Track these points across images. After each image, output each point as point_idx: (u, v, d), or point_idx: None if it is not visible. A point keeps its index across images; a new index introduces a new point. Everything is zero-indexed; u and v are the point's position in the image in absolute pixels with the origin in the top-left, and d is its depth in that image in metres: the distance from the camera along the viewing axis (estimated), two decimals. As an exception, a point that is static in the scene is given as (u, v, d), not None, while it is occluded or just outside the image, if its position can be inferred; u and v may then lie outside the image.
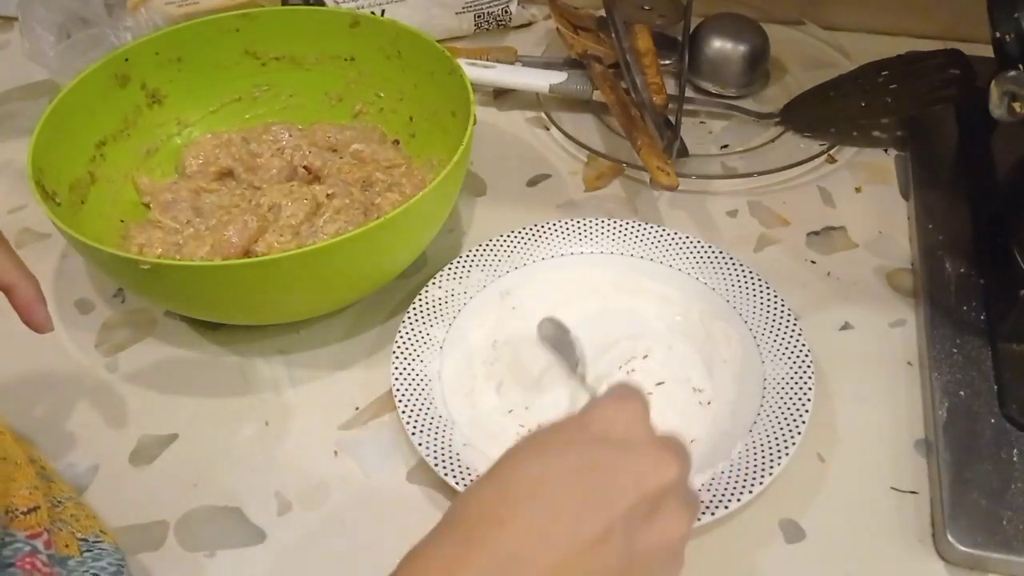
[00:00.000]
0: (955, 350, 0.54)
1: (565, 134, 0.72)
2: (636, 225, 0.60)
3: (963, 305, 0.56)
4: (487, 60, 0.76)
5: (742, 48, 0.74)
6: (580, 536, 0.32)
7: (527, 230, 0.61)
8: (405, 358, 0.53)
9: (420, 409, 0.51)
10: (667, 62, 0.76)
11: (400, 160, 0.65)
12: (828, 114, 0.71)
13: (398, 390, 0.52)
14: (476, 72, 0.71)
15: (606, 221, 0.61)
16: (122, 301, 0.62)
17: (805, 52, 0.79)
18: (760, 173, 0.68)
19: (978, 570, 0.46)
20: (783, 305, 0.55)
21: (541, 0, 0.83)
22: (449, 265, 0.59)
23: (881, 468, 0.50)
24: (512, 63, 0.77)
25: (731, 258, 0.58)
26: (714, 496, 0.46)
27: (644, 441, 0.36)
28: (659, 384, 0.53)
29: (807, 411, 0.49)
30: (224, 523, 0.50)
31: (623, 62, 0.70)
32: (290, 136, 0.66)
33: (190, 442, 0.53)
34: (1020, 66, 0.53)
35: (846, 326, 0.58)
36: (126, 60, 0.63)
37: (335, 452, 0.52)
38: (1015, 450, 0.49)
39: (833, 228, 0.65)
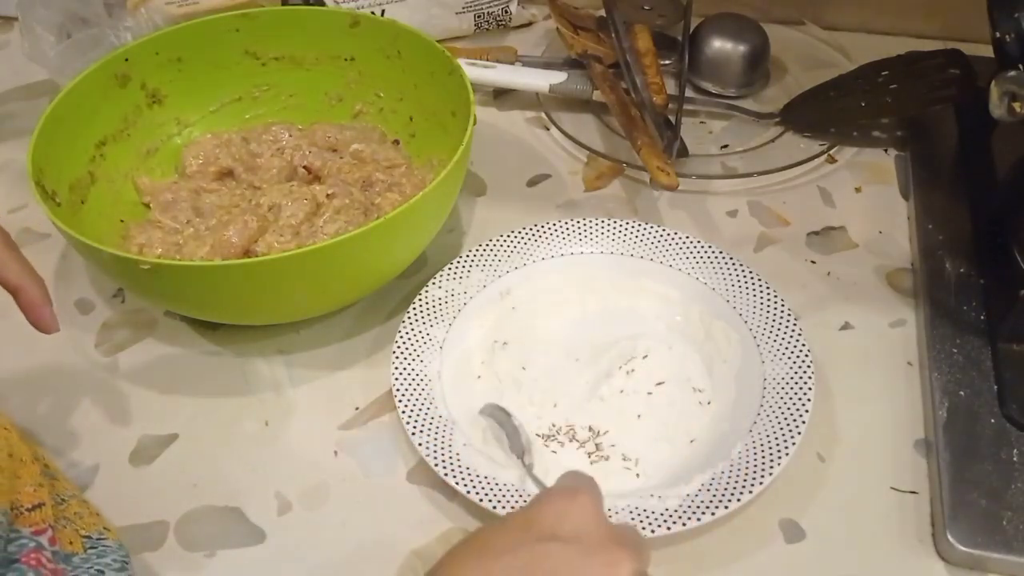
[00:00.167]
0: (955, 350, 0.54)
1: (565, 134, 0.72)
2: (636, 225, 0.60)
3: (963, 305, 0.56)
4: (487, 60, 0.76)
5: (742, 48, 0.74)
6: None
7: (527, 230, 0.61)
8: (405, 358, 0.53)
9: (420, 409, 0.51)
10: (667, 62, 0.76)
11: (400, 160, 0.65)
12: (828, 114, 0.71)
13: (398, 390, 0.52)
14: (476, 72, 0.71)
15: (606, 221, 0.61)
16: (122, 301, 0.62)
17: (805, 52, 0.79)
18: (760, 173, 0.68)
19: (978, 570, 0.46)
20: (783, 305, 0.55)
21: (541, 0, 0.83)
22: (449, 265, 0.59)
23: (881, 468, 0.50)
24: (512, 63, 0.77)
25: (731, 258, 0.58)
26: (714, 496, 0.46)
27: (595, 537, 0.34)
28: (659, 384, 0.53)
29: (807, 411, 0.49)
30: (224, 523, 0.50)
31: (623, 62, 0.70)
32: (290, 136, 0.66)
33: (190, 442, 0.53)
34: (1020, 66, 0.53)
35: (846, 326, 0.58)
36: (126, 60, 0.63)
37: (335, 452, 0.52)
38: (1015, 450, 0.49)
39: (833, 228, 0.65)
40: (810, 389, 0.50)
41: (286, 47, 0.67)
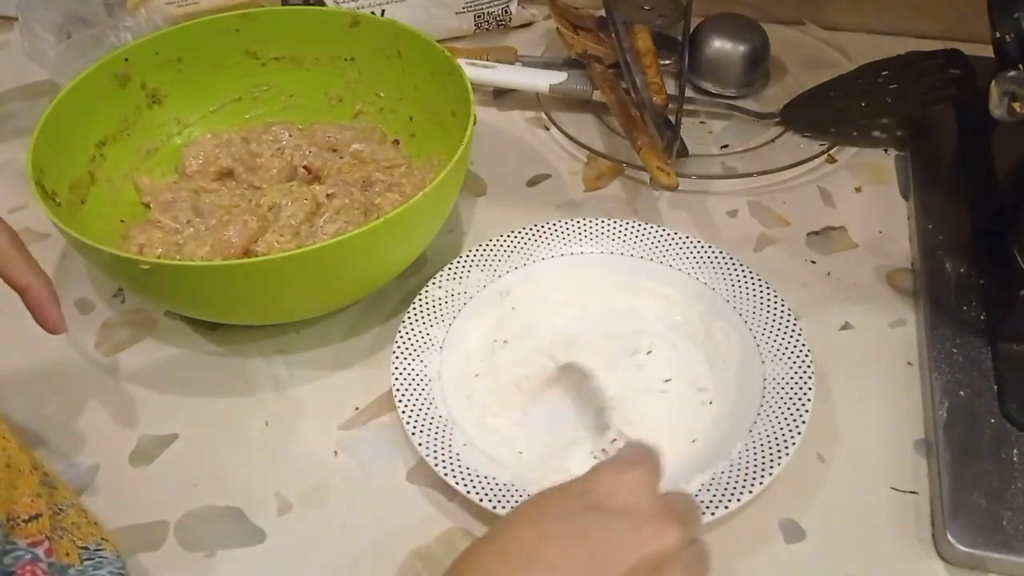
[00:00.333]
0: (955, 350, 0.54)
1: (565, 134, 0.72)
2: (636, 225, 0.60)
3: (963, 305, 0.56)
4: (487, 60, 0.76)
5: (742, 48, 0.74)
6: None
7: (527, 230, 0.61)
8: (405, 358, 0.53)
9: (420, 409, 0.51)
10: (667, 62, 0.76)
11: (400, 160, 0.65)
12: (828, 114, 0.71)
13: (398, 390, 0.52)
14: (476, 72, 0.71)
15: (606, 221, 0.61)
16: (122, 301, 0.62)
17: (805, 52, 0.79)
18: (760, 173, 0.68)
19: (978, 570, 0.46)
20: (783, 305, 0.55)
21: (541, 0, 0.83)
22: (449, 265, 0.59)
23: (881, 468, 0.50)
24: (512, 63, 0.77)
25: (731, 258, 0.58)
26: (714, 496, 0.46)
27: (645, 509, 0.35)
28: (666, 381, 0.53)
29: (807, 411, 0.49)
30: (224, 523, 0.50)
31: (623, 62, 0.70)
32: (290, 136, 0.66)
33: (190, 442, 0.53)
34: (1020, 66, 0.53)
35: (846, 326, 0.58)
36: (126, 60, 0.63)
37: (335, 452, 0.52)
38: (1015, 450, 0.49)
39: (833, 228, 0.65)
40: (810, 389, 0.50)
41: (286, 47, 0.67)
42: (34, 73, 0.77)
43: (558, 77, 0.73)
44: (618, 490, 0.36)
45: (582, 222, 0.61)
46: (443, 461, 0.48)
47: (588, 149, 0.71)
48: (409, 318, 0.55)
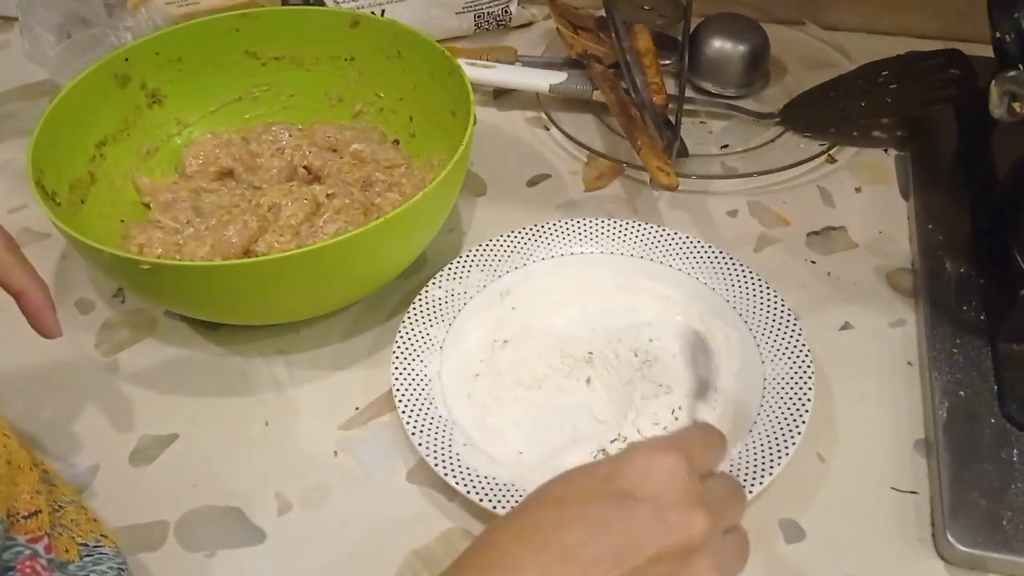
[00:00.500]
0: (955, 350, 0.54)
1: (565, 134, 0.72)
2: (636, 225, 0.60)
3: (963, 305, 0.56)
4: (487, 60, 0.76)
5: (742, 48, 0.74)
6: None
7: (527, 230, 0.61)
8: (405, 358, 0.53)
9: (420, 409, 0.51)
10: (667, 62, 0.76)
11: (400, 160, 0.65)
12: (828, 114, 0.71)
13: (398, 390, 0.52)
14: (476, 72, 0.71)
15: (606, 221, 0.61)
16: (122, 301, 0.62)
17: (805, 52, 0.79)
18: (760, 173, 0.68)
19: (978, 570, 0.46)
20: (783, 305, 0.55)
21: (541, 0, 0.83)
22: (449, 265, 0.59)
23: (881, 468, 0.50)
24: (512, 63, 0.77)
25: (731, 258, 0.58)
26: None
27: (673, 496, 0.34)
28: (666, 381, 0.53)
29: (807, 411, 0.49)
30: (224, 523, 0.50)
31: (623, 62, 0.70)
32: (290, 136, 0.66)
33: (190, 442, 0.53)
34: (1020, 66, 0.53)
35: (846, 326, 0.58)
36: (126, 60, 0.63)
37: (335, 452, 0.52)
38: (1015, 450, 0.49)
39: (833, 228, 0.65)
40: (810, 389, 0.50)
41: (286, 47, 0.67)
42: (34, 73, 0.77)
43: (558, 77, 0.73)
44: (647, 475, 0.34)
45: (582, 222, 0.61)
46: (443, 461, 0.48)
47: (588, 149, 0.71)
48: (409, 318, 0.55)
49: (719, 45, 0.74)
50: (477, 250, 0.59)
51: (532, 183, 0.70)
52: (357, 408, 0.55)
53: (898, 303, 0.59)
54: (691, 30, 0.75)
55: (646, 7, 0.80)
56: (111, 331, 0.60)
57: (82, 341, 0.59)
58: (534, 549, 0.33)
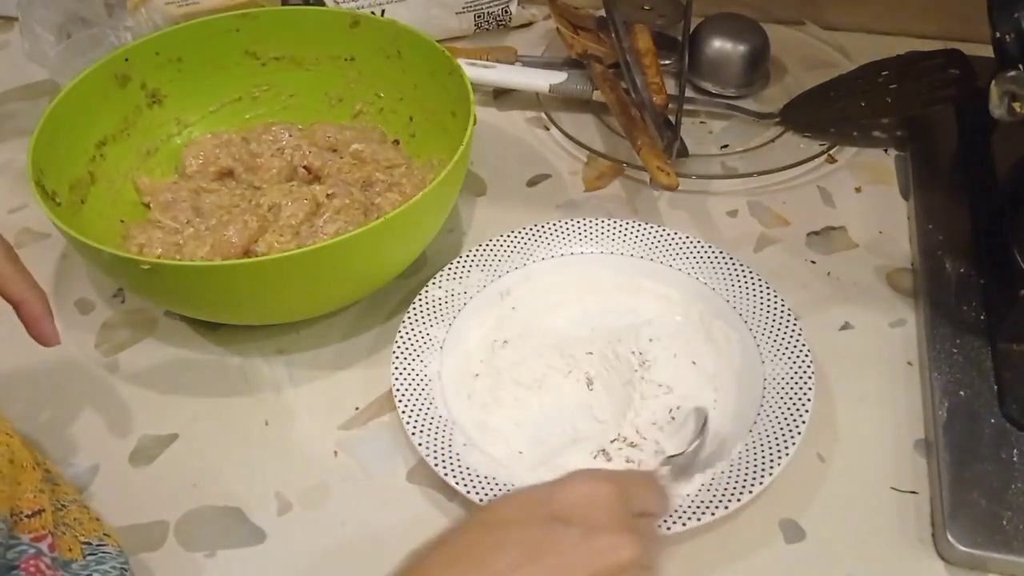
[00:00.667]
0: (955, 350, 0.54)
1: (565, 134, 0.72)
2: (636, 225, 0.60)
3: (963, 305, 0.56)
4: (487, 60, 0.76)
5: (742, 48, 0.74)
6: None
7: (527, 230, 0.61)
8: (405, 358, 0.53)
9: (420, 409, 0.51)
10: (667, 62, 0.76)
11: (400, 160, 0.65)
12: (828, 114, 0.71)
13: (398, 390, 0.52)
14: (476, 72, 0.71)
15: (606, 221, 0.61)
16: (122, 301, 0.62)
17: (805, 52, 0.79)
18: (760, 173, 0.68)
19: (978, 570, 0.46)
20: (783, 305, 0.55)
21: (541, 0, 0.83)
22: (449, 265, 0.59)
23: (881, 468, 0.50)
24: (512, 63, 0.77)
25: (731, 258, 0.58)
26: (714, 496, 0.46)
27: (605, 523, 0.35)
28: (666, 381, 0.53)
29: (807, 411, 0.49)
30: (224, 523, 0.50)
31: (623, 62, 0.70)
32: (290, 136, 0.66)
33: (190, 442, 0.53)
34: (1020, 66, 0.52)
35: (846, 326, 0.58)
36: (126, 60, 0.63)
37: (335, 452, 0.52)
38: (1015, 450, 0.49)
39: (833, 228, 0.65)
40: (810, 389, 0.50)
41: (286, 47, 0.67)
42: (34, 73, 0.77)
43: (558, 77, 0.73)
44: (583, 502, 0.35)
45: (582, 222, 0.61)
46: (443, 461, 0.48)
47: (588, 149, 0.71)
48: (409, 318, 0.55)
49: (719, 45, 0.74)
50: (477, 250, 0.60)
51: (532, 183, 0.70)
52: (357, 408, 0.55)
53: (898, 303, 0.59)
54: (691, 30, 0.75)
55: (646, 7, 0.80)
56: (111, 331, 0.60)
57: (82, 341, 0.59)
58: (467, 573, 0.33)
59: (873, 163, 0.70)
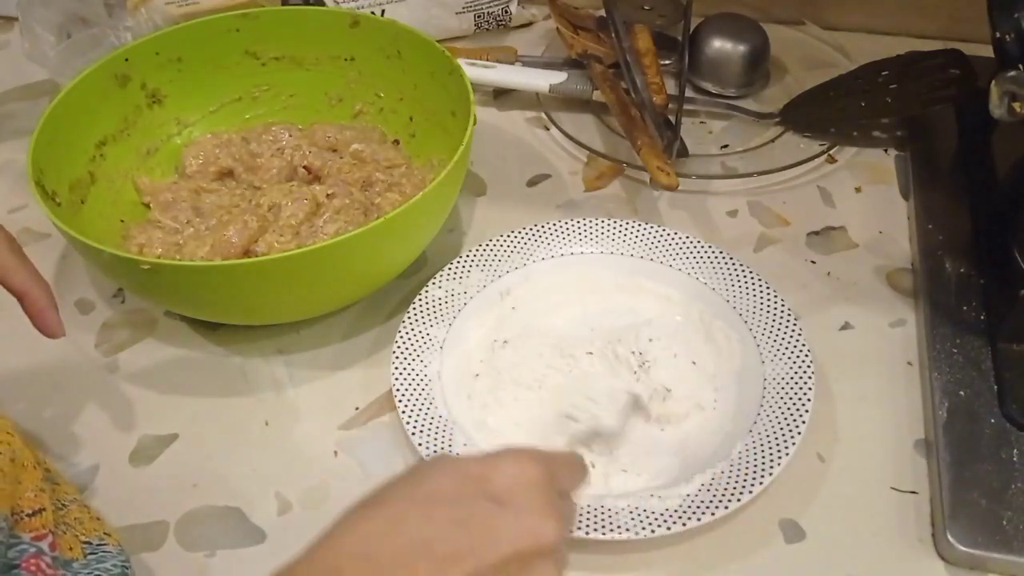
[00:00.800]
0: (955, 350, 0.54)
1: (565, 134, 0.72)
2: (636, 225, 0.60)
3: (963, 305, 0.56)
4: (487, 60, 0.76)
5: (742, 48, 0.74)
6: None
7: (527, 230, 0.61)
8: (405, 358, 0.53)
9: (420, 409, 0.51)
10: (667, 62, 0.76)
11: (400, 160, 0.65)
12: (828, 114, 0.71)
13: (398, 390, 0.52)
14: (476, 72, 0.71)
15: (606, 221, 0.61)
16: (122, 301, 0.62)
17: (805, 52, 0.79)
18: (760, 173, 0.68)
19: (978, 570, 0.46)
20: (783, 305, 0.55)
21: (541, 0, 0.83)
22: (449, 265, 0.59)
23: (881, 468, 0.50)
24: (512, 63, 0.77)
25: (731, 258, 0.58)
26: (714, 496, 0.46)
27: (532, 503, 0.36)
28: (666, 380, 0.53)
29: (807, 411, 0.49)
30: (224, 523, 0.50)
31: (623, 62, 0.70)
32: (290, 136, 0.66)
33: (190, 442, 0.53)
34: (1020, 66, 0.53)
35: (846, 326, 0.58)
36: (126, 60, 0.63)
37: (335, 452, 0.52)
38: (1015, 450, 0.49)
39: (833, 228, 0.65)
40: (810, 389, 0.50)
41: (286, 47, 0.67)
42: (34, 73, 0.77)
43: (558, 77, 0.73)
44: (513, 481, 0.36)
45: (582, 222, 0.61)
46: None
47: (588, 149, 0.71)
48: (409, 318, 0.55)
49: (719, 45, 0.74)
50: (477, 250, 0.60)
51: (532, 183, 0.70)
52: (357, 408, 0.55)
53: (898, 303, 0.59)
54: (691, 30, 0.75)
55: (646, 7, 0.80)
56: (111, 331, 0.60)
57: (82, 341, 0.59)
58: (395, 542, 0.33)
59: (873, 163, 0.70)
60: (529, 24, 0.85)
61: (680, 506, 0.46)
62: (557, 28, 0.79)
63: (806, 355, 0.52)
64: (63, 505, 0.45)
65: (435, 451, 0.49)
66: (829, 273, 0.61)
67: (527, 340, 0.56)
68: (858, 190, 0.68)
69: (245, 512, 0.50)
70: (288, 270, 0.50)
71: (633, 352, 0.54)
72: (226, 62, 0.67)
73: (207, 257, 0.56)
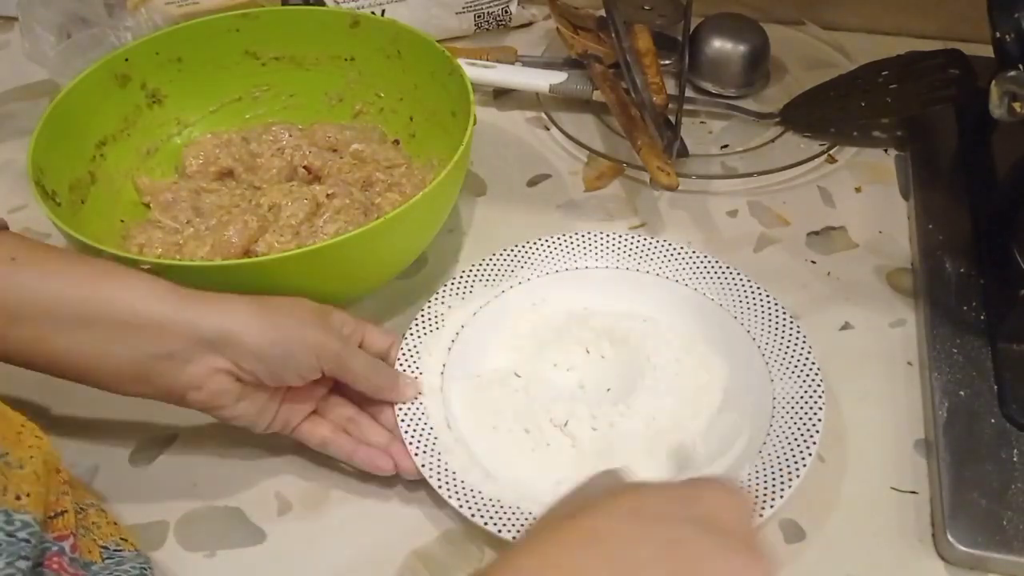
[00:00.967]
0: (955, 350, 0.54)
1: (565, 134, 0.72)
2: (641, 239, 0.59)
3: (963, 305, 0.56)
4: (487, 60, 0.76)
5: (742, 48, 0.74)
6: None
7: (530, 244, 0.59)
8: (405, 371, 0.53)
9: (418, 424, 0.50)
10: (667, 62, 0.76)
11: (400, 160, 0.65)
12: (828, 114, 0.71)
13: (399, 410, 0.51)
14: (476, 72, 0.71)
15: (610, 236, 0.59)
16: (122, 301, 0.61)
17: (805, 52, 0.79)
18: (760, 173, 0.68)
19: (978, 570, 0.46)
20: (792, 322, 0.53)
21: (541, 0, 0.83)
22: (452, 280, 0.57)
23: (881, 468, 0.50)
24: (512, 63, 0.77)
25: (738, 273, 0.56)
26: None
27: (743, 539, 0.34)
28: (674, 400, 0.52)
29: (817, 431, 0.48)
30: (224, 523, 0.50)
31: (623, 62, 0.70)
32: (290, 136, 0.66)
33: (190, 442, 0.53)
34: (1020, 66, 0.53)
35: (846, 326, 0.58)
36: (126, 60, 0.63)
37: (335, 452, 0.52)
38: (1015, 450, 0.49)
39: (833, 228, 0.65)
40: (820, 409, 0.49)
41: (286, 47, 0.67)
42: (34, 73, 0.77)
43: (558, 77, 0.73)
44: (724, 510, 0.34)
45: (586, 236, 0.60)
46: (444, 481, 0.47)
47: (588, 149, 0.71)
48: (410, 334, 0.54)
49: (719, 45, 0.74)
50: (480, 265, 0.58)
51: (532, 183, 0.70)
52: (357, 408, 0.55)
53: (898, 303, 0.59)
54: (691, 30, 0.75)
55: (646, 7, 0.80)
56: (111, 331, 0.60)
57: (82, 341, 0.59)
58: (602, 557, 0.32)
59: (873, 163, 0.70)
60: (529, 24, 0.85)
61: None
62: (557, 28, 0.79)
63: (816, 373, 0.50)
64: (82, 509, 0.45)
65: (436, 472, 0.48)
66: (829, 273, 0.61)
67: (529, 357, 0.55)
68: (858, 190, 0.68)
69: (245, 512, 0.50)
70: (288, 270, 0.50)
71: (640, 371, 0.53)
72: (226, 62, 0.67)
73: (207, 257, 0.56)
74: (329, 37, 0.67)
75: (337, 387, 0.52)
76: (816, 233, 0.64)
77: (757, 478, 0.47)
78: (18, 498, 0.38)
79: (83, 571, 0.40)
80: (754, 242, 0.64)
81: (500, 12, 0.83)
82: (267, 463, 0.52)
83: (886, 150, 0.71)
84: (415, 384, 0.52)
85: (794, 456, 0.47)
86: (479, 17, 0.82)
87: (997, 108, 0.53)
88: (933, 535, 0.47)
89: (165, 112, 0.66)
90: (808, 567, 0.47)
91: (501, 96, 0.77)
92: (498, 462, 0.50)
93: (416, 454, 0.49)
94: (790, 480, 0.46)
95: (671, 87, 0.74)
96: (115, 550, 0.44)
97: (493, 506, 0.46)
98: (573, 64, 0.76)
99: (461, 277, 0.58)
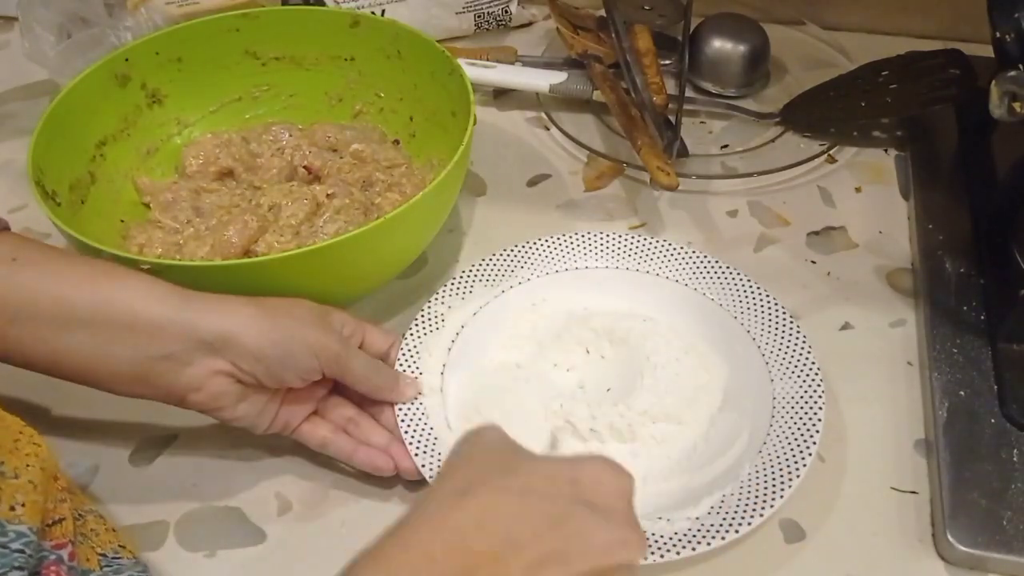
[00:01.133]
0: (955, 350, 0.54)
1: (565, 134, 0.72)
2: (641, 239, 0.59)
3: (963, 305, 0.56)
4: (487, 60, 0.76)
5: (742, 48, 0.74)
6: None
7: (530, 244, 0.59)
8: (405, 372, 0.53)
9: (418, 424, 0.50)
10: (667, 62, 0.76)
11: (400, 160, 0.65)
12: (828, 114, 0.71)
13: (400, 409, 0.51)
14: (476, 72, 0.71)
15: (610, 236, 0.59)
16: (122, 301, 0.61)
17: (805, 52, 0.79)
18: (760, 173, 0.68)
19: (978, 570, 0.46)
20: (792, 322, 0.53)
21: (541, 0, 0.83)
22: (451, 281, 0.57)
23: (881, 468, 0.50)
24: (512, 63, 0.77)
25: (739, 273, 0.56)
26: (723, 519, 0.45)
27: (623, 517, 0.36)
28: (673, 399, 0.52)
29: (817, 431, 0.48)
30: (224, 523, 0.50)
31: (623, 62, 0.70)
32: (290, 136, 0.66)
33: (190, 442, 0.53)
34: (1020, 66, 0.53)
35: (846, 326, 0.58)
36: (126, 60, 0.63)
37: (335, 452, 0.52)
38: (1015, 450, 0.49)
39: (833, 228, 0.65)
40: (820, 409, 0.49)
41: (286, 47, 0.67)
42: (34, 73, 0.77)
43: (558, 77, 0.73)
44: (607, 489, 0.36)
45: (586, 236, 0.60)
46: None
47: (588, 149, 0.71)
48: (410, 334, 0.54)
49: (719, 45, 0.74)
50: (480, 265, 0.58)
51: (532, 183, 0.70)
52: (357, 408, 0.54)
53: (898, 303, 0.59)
54: (691, 30, 0.75)
55: (646, 7, 0.80)
56: (111, 331, 0.60)
57: (82, 341, 0.59)
58: (489, 535, 0.33)
59: (873, 163, 0.70)
60: (529, 24, 0.85)
61: (689, 529, 0.45)
62: (557, 28, 0.79)
63: (816, 373, 0.51)
64: (80, 515, 0.44)
65: (430, 461, 0.48)
66: (829, 273, 0.61)
67: (530, 357, 0.55)
68: (858, 190, 0.68)
69: (245, 512, 0.50)
70: (288, 270, 0.50)
71: (640, 372, 0.53)
72: (226, 62, 0.67)
73: (207, 257, 0.56)
74: (329, 37, 0.67)
75: (337, 388, 0.52)
76: (816, 233, 0.64)
77: (757, 478, 0.47)
78: (12, 508, 0.38)
79: None
80: (754, 242, 0.64)
81: (500, 12, 0.83)
82: (267, 463, 0.52)
83: (886, 150, 0.71)
84: (415, 384, 0.51)
85: (794, 456, 0.47)
86: (479, 17, 0.82)
87: (997, 108, 0.53)
88: (933, 535, 0.47)
89: (165, 112, 0.66)
90: (808, 567, 0.47)
91: (501, 96, 0.77)
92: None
93: (416, 454, 0.49)
94: (790, 480, 0.46)
95: (671, 87, 0.74)
96: (113, 557, 0.44)
97: None
98: (573, 64, 0.76)
99: (461, 277, 0.58)
